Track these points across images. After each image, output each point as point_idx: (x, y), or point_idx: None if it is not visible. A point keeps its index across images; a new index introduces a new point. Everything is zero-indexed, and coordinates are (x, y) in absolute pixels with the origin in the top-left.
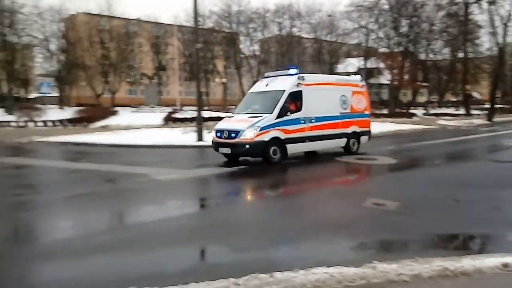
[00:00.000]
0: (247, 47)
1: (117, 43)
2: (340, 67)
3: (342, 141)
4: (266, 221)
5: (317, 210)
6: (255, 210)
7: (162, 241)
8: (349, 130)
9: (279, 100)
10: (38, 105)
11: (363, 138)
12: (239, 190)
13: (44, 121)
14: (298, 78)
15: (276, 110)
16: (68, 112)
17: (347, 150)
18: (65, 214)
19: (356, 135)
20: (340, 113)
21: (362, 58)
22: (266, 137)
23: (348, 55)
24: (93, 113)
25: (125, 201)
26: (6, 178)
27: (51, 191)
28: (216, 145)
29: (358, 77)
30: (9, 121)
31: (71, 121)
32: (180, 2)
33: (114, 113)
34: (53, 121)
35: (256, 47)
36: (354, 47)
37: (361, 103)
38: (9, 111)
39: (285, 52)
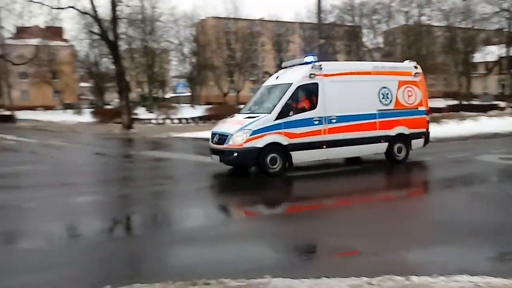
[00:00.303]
0: (370, 40)
1: (242, 43)
2: (477, 56)
3: (382, 147)
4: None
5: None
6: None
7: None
8: (393, 132)
9: (282, 96)
10: (174, 104)
11: (416, 142)
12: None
13: (179, 119)
14: (313, 68)
15: (277, 109)
16: (199, 110)
17: (391, 158)
18: (198, 203)
19: (405, 139)
20: (378, 110)
21: (503, 45)
22: (260, 142)
23: (487, 42)
24: (221, 110)
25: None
26: (148, 170)
27: (186, 182)
28: (210, 151)
29: (410, 63)
30: (150, 119)
31: (201, 118)
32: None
33: (239, 110)
34: (186, 119)
35: (380, 39)
36: (494, 33)
37: (413, 96)
38: (150, 110)
39: (412, 43)
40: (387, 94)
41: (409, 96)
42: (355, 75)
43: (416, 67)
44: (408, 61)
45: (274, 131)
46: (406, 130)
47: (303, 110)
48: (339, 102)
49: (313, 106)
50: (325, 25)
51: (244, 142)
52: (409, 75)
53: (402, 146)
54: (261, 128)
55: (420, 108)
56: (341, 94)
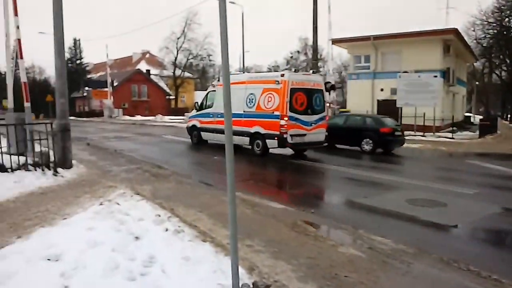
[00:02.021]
0: None
1: None
2: None
3: (246, 140)
4: None
5: None
6: None
7: None
8: (252, 130)
9: (203, 97)
10: None
11: (270, 142)
12: None
13: None
14: (212, 80)
15: (197, 105)
16: None
17: (252, 151)
18: None
19: (260, 137)
20: (244, 111)
21: None
22: (190, 124)
23: None
24: None
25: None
26: None
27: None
28: None
29: (278, 73)
30: None
31: None
32: None
33: None
34: None
35: None
36: None
37: (272, 102)
38: None
39: None
40: (252, 99)
41: (268, 101)
42: (235, 84)
43: (282, 76)
44: (283, 71)
45: (195, 118)
46: (261, 130)
47: (208, 107)
48: (226, 102)
49: (212, 105)
50: None
51: (188, 122)
52: (272, 83)
53: (259, 142)
54: (191, 116)
55: (276, 113)
56: (219, 99)
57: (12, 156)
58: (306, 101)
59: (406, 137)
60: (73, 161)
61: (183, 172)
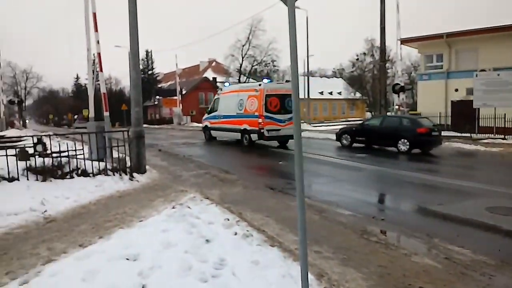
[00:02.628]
0: None
1: None
2: None
3: (237, 135)
4: None
5: None
6: None
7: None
8: (242, 127)
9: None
10: None
11: (253, 136)
12: None
13: None
14: (219, 90)
15: (209, 109)
16: None
17: (242, 143)
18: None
19: (247, 132)
20: (236, 113)
21: None
22: (204, 124)
23: None
24: None
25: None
26: None
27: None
28: None
29: (257, 83)
30: None
31: None
32: None
33: None
34: None
35: None
36: None
37: (254, 105)
38: None
39: None
40: (241, 103)
41: (251, 104)
42: (231, 93)
43: (259, 85)
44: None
45: (207, 120)
46: (248, 127)
47: (215, 111)
48: (223, 108)
49: (217, 109)
50: None
51: (202, 123)
52: (253, 91)
53: (246, 136)
54: (204, 118)
55: (256, 113)
56: (224, 103)
57: (93, 162)
58: (279, 103)
59: (485, 140)
60: (147, 166)
61: (249, 177)
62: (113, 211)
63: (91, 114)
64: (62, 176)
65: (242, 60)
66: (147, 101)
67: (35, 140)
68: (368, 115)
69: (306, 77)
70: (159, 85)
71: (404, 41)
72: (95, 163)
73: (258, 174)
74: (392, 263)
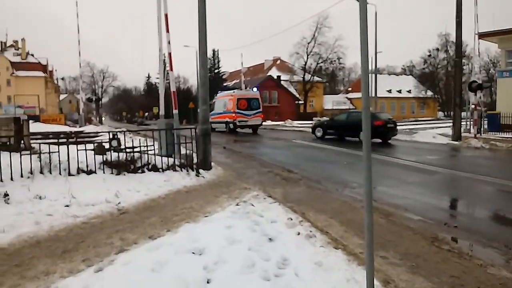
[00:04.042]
0: None
1: None
2: None
3: (223, 126)
4: None
5: None
6: None
7: None
8: (225, 120)
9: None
10: None
11: (231, 125)
12: None
13: None
14: (215, 95)
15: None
16: None
17: (226, 130)
18: None
19: (228, 123)
20: (223, 111)
21: None
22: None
23: None
24: None
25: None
26: None
27: None
28: None
29: (231, 91)
30: None
31: None
32: None
33: None
34: None
35: None
36: None
37: (230, 105)
38: None
39: None
40: (225, 104)
41: (229, 105)
42: (220, 98)
43: (233, 92)
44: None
45: (211, 116)
46: (228, 120)
47: (212, 110)
48: (217, 107)
49: (214, 109)
50: None
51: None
52: (230, 96)
53: (229, 125)
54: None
55: (231, 110)
56: (217, 104)
57: (162, 157)
58: (247, 104)
59: None
60: (212, 163)
61: (313, 177)
62: (180, 206)
63: (161, 111)
64: (134, 170)
65: (307, 58)
66: (213, 99)
67: (111, 136)
68: (441, 115)
69: (373, 75)
70: (225, 84)
71: (482, 35)
72: (164, 159)
73: (321, 174)
74: (466, 273)
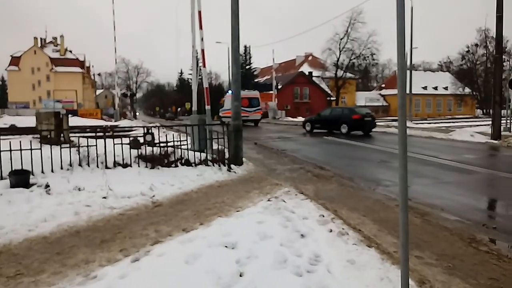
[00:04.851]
0: None
1: None
2: None
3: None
4: None
5: None
6: None
7: None
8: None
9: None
10: None
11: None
12: None
13: None
14: (226, 93)
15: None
16: None
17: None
18: None
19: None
20: (230, 107)
21: None
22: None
23: None
24: None
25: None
26: None
27: None
28: None
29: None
30: None
31: None
32: None
33: None
34: None
35: None
36: None
37: (229, 103)
38: None
39: None
40: (227, 102)
41: (228, 102)
42: (229, 97)
43: (227, 92)
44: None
45: (221, 112)
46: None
47: (222, 106)
48: (227, 105)
49: (224, 105)
50: None
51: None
52: (228, 96)
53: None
54: (220, 110)
55: (227, 108)
56: (227, 102)
57: (195, 152)
58: (248, 102)
59: None
60: (244, 159)
61: (345, 174)
62: (212, 200)
63: (194, 107)
64: (168, 165)
65: (340, 54)
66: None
67: (145, 131)
68: (479, 112)
69: (408, 71)
70: (256, 80)
71: None
72: (197, 154)
73: (354, 172)
74: (505, 276)
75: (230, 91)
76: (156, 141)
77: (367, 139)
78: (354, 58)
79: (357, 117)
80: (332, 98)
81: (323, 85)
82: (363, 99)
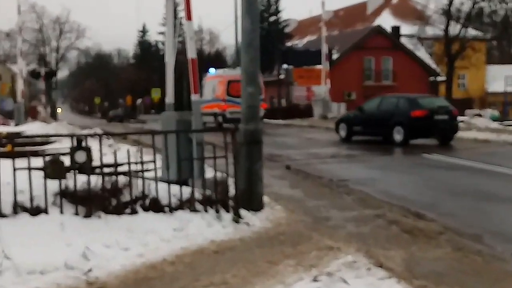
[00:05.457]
0: None
1: None
2: None
3: (212, 118)
4: None
5: None
6: None
7: None
8: (213, 111)
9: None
10: None
11: (219, 118)
12: None
13: None
14: (207, 73)
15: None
16: None
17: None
18: None
19: (217, 115)
20: (212, 98)
21: None
22: None
23: None
24: None
25: None
26: None
27: None
28: None
29: (223, 70)
30: None
31: None
32: None
33: None
34: None
35: None
36: None
37: (219, 91)
38: None
39: None
40: (214, 89)
41: (218, 90)
42: (210, 79)
43: (223, 70)
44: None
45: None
46: (217, 110)
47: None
48: (207, 93)
49: (203, 94)
50: None
51: None
52: (220, 77)
53: (218, 118)
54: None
55: (220, 98)
56: (208, 89)
57: (170, 184)
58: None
59: None
60: (265, 197)
61: (465, 228)
62: (203, 279)
63: (168, 97)
64: (118, 209)
65: None
66: (265, 73)
67: (74, 144)
68: None
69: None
70: (289, 43)
71: None
72: (174, 188)
73: (482, 223)
74: None
75: (212, 71)
76: (95, 163)
77: (497, 158)
78: (482, 0)
79: (420, 114)
80: (439, 78)
81: (422, 53)
82: (502, 78)
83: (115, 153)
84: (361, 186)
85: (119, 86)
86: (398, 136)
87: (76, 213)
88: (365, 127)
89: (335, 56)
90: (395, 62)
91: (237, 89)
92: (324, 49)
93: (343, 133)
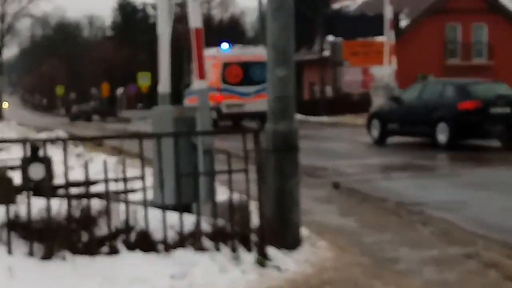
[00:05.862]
0: None
1: None
2: None
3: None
4: None
5: None
6: None
7: None
8: None
9: None
10: None
11: (214, 113)
12: None
13: None
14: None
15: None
16: None
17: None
18: None
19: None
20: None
21: None
22: None
23: None
24: None
25: None
26: None
27: None
28: None
29: (216, 48)
30: None
31: None
32: None
33: None
34: None
35: None
36: None
37: (214, 76)
38: None
39: None
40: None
41: (212, 76)
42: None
43: (217, 49)
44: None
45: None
46: (212, 104)
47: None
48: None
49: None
50: None
51: None
52: (213, 59)
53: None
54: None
55: (214, 86)
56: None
57: (165, 210)
58: (242, 73)
59: None
60: (303, 229)
61: None
62: None
63: (163, 84)
64: (91, 248)
65: None
66: (302, 49)
67: (27, 153)
68: None
69: None
70: (335, 7)
71: None
72: (171, 216)
73: None
74: None
75: (225, 46)
76: (58, 181)
77: None
78: None
79: (470, 106)
80: None
81: None
82: None
83: (86, 166)
84: (444, 213)
85: (92, 69)
86: (441, 135)
87: (31, 253)
88: (402, 124)
89: (403, 23)
90: (492, 31)
91: (236, 73)
92: (388, 13)
93: (375, 133)
